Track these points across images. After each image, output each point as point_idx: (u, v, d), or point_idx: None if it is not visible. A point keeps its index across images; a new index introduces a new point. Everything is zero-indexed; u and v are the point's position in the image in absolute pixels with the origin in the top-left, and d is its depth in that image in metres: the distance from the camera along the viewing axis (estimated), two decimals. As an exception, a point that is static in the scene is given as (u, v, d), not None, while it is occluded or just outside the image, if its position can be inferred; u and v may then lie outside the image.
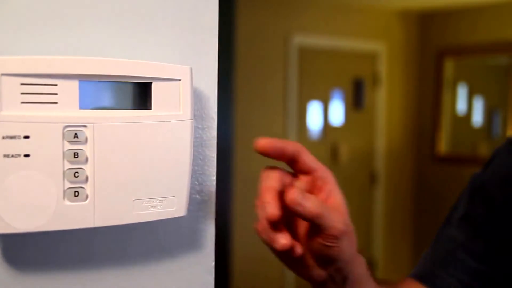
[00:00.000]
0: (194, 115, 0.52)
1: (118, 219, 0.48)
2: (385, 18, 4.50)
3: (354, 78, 4.38)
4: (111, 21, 0.49)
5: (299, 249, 0.53)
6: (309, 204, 0.51)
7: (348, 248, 0.54)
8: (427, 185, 4.64)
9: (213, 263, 0.56)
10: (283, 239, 0.52)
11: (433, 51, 4.55)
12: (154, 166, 0.49)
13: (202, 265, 0.55)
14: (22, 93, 0.44)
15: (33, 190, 0.44)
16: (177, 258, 0.54)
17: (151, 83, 0.49)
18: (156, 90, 0.49)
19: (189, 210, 0.51)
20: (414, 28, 4.66)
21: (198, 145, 0.54)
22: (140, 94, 0.49)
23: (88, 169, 0.46)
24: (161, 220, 0.51)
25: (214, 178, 0.55)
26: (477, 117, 4.43)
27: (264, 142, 0.53)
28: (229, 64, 3.41)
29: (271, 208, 0.51)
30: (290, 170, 0.56)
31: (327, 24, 4.19)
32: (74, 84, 0.46)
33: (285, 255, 0.54)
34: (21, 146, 0.43)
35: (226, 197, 3.53)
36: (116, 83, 0.48)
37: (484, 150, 4.28)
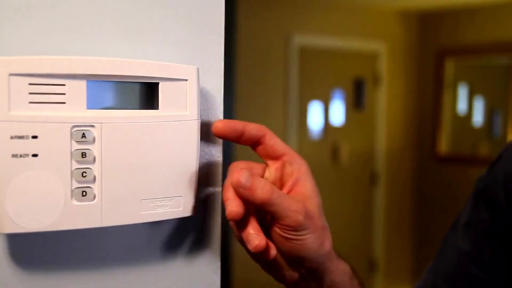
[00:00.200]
0: (201, 115, 0.52)
1: (125, 219, 0.48)
2: (386, 18, 4.51)
3: (355, 78, 4.38)
4: (118, 21, 0.50)
5: (273, 251, 0.50)
6: (258, 189, 0.47)
7: (314, 245, 0.50)
8: (427, 185, 4.64)
9: (219, 263, 0.56)
10: (256, 240, 0.48)
11: (434, 51, 4.55)
12: (161, 166, 0.49)
13: (208, 265, 0.56)
14: (30, 93, 0.44)
15: (41, 190, 0.44)
16: (183, 258, 0.54)
17: (158, 83, 0.49)
18: (163, 90, 0.49)
19: (195, 210, 0.51)
20: (414, 28, 4.66)
21: (204, 144, 0.54)
22: (147, 94, 0.49)
23: (95, 169, 0.46)
24: (167, 220, 0.51)
25: (220, 178, 0.55)
26: (478, 117, 4.43)
27: (221, 124, 0.50)
28: (229, 64, 3.41)
29: (231, 205, 0.48)
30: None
31: (327, 24, 4.19)
32: (82, 84, 0.46)
33: (257, 255, 0.51)
34: (29, 146, 0.43)
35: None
36: (123, 83, 0.48)
37: (485, 150, 4.28)
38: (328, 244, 0.52)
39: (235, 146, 3.52)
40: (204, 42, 0.53)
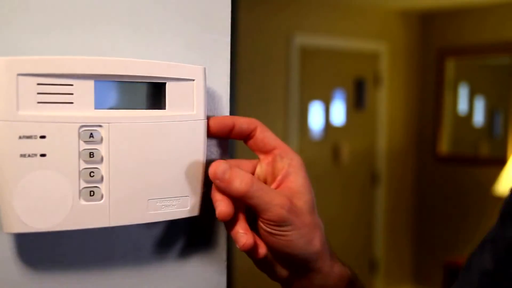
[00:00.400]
0: (207, 115, 0.52)
1: (132, 218, 0.48)
2: (387, 18, 4.51)
3: (356, 78, 4.38)
4: (126, 21, 0.50)
5: (262, 249, 0.49)
6: (235, 181, 0.47)
7: (300, 242, 0.49)
8: (428, 185, 4.64)
9: (226, 263, 0.56)
10: (243, 239, 0.48)
11: (435, 51, 4.55)
12: (168, 166, 0.49)
13: (214, 265, 0.56)
14: (38, 93, 0.44)
15: (49, 189, 0.44)
16: (189, 258, 0.54)
17: (165, 83, 0.49)
18: (170, 90, 0.49)
19: (201, 209, 0.51)
20: (415, 28, 4.66)
21: (211, 144, 0.54)
22: (154, 94, 0.49)
23: (103, 168, 0.46)
24: (174, 220, 0.51)
25: (227, 177, 0.55)
26: (478, 117, 4.43)
27: (212, 125, 0.50)
28: (230, 63, 3.40)
29: (220, 206, 0.48)
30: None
31: (328, 24, 4.19)
32: (90, 84, 0.46)
33: (249, 253, 0.50)
34: (38, 146, 0.44)
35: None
36: (130, 83, 0.48)
37: (485, 150, 4.28)
38: (317, 243, 0.50)
39: (236, 145, 3.53)
40: (210, 42, 0.54)
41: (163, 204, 0.49)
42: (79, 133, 0.45)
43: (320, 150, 4.18)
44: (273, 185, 0.51)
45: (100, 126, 0.46)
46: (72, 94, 0.45)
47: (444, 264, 3.79)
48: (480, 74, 4.48)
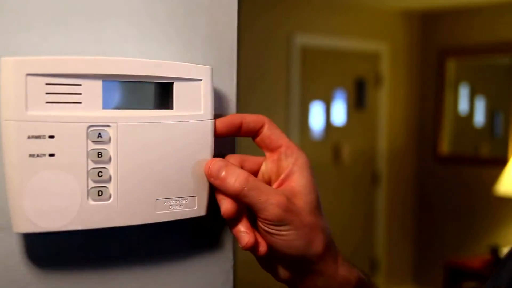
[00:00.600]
0: (214, 115, 0.52)
1: (141, 218, 0.48)
2: (388, 18, 4.51)
3: (356, 78, 4.38)
4: (133, 22, 0.50)
5: (263, 248, 0.49)
6: (229, 179, 0.47)
7: (298, 243, 0.48)
8: (428, 185, 4.64)
9: (232, 263, 0.56)
10: (246, 238, 0.48)
11: (435, 51, 4.55)
12: (175, 166, 0.49)
13: (221, 264, 0.56)
14: (47, 93, 0.44)
15: (58, 189, 0.44)
16: (196, 258, 0.54)
17: (172, 83, 0.49)
18: (178, 90, 0.49)
19: (208, 209, 0.51)
20: (416, 28, 4.66)
21: (218, 144, 0.54)
22: (162, 94, 0.49)
23: (111, 168, 0.46)
24: (181, 219, 0.51)
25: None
26: (479, 117, 4.43)
27: (219, 125, 0.50)
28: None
29: (224, 204, 0.48)
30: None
31: (329, 24, 4.19)
32: (98, 84, 0.46)
33: (251, 251, 0.50)
34: (46, 146, 0.44)
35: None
36: (138, 83, 0.48)
37: (486, 150, 4.29)
38: (319, 245, 0.49)
39: (235, 146, 3.53)
40: (217, 42, 0.54)
41: (171, 204, 0.49)
42: (87, 133, 0.45)
43: (320, 150, 4.18)
44: (276, 184, 0.51)
45: (108, 126, 0.46)
46: (80, 94, 0.45)
47: (445, 264, 3.79)
48: (480, 74, 4.48)
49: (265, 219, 0.47)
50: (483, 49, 4.26)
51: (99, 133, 0.46)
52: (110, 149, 0.46)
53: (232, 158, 0.51)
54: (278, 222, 0.47)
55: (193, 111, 0.50)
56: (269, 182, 0.52)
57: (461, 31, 4.39)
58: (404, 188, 4.71)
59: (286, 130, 3.97)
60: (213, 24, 0.53)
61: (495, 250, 3.55)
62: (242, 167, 0.50)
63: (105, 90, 0.46)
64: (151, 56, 0.50)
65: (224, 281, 0.56)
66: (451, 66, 4.48)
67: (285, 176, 0.50)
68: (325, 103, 4.24)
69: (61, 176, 0.44)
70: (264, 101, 3.84)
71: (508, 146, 4.08)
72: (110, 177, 0.46)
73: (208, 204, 0.51)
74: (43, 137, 0.44)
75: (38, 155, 0.43)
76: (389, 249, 4.63)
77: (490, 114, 4.37)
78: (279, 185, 0.51)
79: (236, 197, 0.47)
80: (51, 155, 0.44)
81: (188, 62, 0.51)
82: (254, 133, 0.52)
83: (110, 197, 0.46)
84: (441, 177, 4.54)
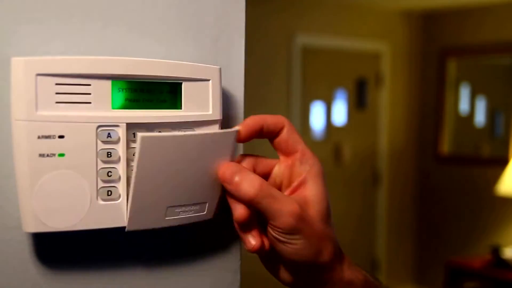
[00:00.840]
0: (222, 115, 0.52)
1: (150, 222, 0.48)
2: (388, 18, 4.51)
3: (357, 78, 4.38)
4: (141, 22, 0.50)
5: (265, 247, 0.48)
6: (243, 185, 0.46)
7: (308, 252, 0.47)
8: (429, 185, 4.64)
9: (239, 263, 0.56)
10: (253, 241, 0.48)
11: (436, 51, 4.55)
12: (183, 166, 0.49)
13: (228, 266, 0.56)
14: (56, 93, 0.44)
15: (67, 189, 0.44)
16: (204, 259, 0.55)
17: (181, 83, 0.49)
18: (186, 90, 0.49)
19: (217, 212, 0.51)
20: (417, 28, 4.66)
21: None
22: (171, 94, 0.49)
23: (120, 168, 0.46)
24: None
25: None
26: (480, 117, 4.43)
27: (244, 132, 0.48)
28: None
29: (236, 209, 0.47)
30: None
31: (330, 24, 4.19)
32: (107, 84, 0.46)
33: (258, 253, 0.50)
34: (56, 146, 0.44)
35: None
36: (147, 83, 0.48)
37: (487, 150, 4.29)
38: (327, 254, 0.49)
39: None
40: (225, 42, 0.54)
41: (181, 210, 0.49)
42: (96, 133, 0.45)
43: (321, 150, 4.18)
44: (288, 191, 0.50)
45: (117, 126, 0.46)
46: (89, 94, 0.45)
47: (446, 263, 3.79)
48: (481, 74, 4.48)
49: (277, 227, 0.47)
50: (484, 49, 4.26)
51: (109, 133, 0.46)
52: (119, 149, 0.46)
53: (245, 161, 0.50)
54: (290, 231, 0.46)
55: (202, 111, 0.50)
56: (280, 186, 0.51)
57: (462, 31, 4.39)
58: (405, 188, 4.71)
59: (287, 130, 3.96)
60: (221, 24, 0.53)
61: (495, 250, 3.55)
62: (254, 170, 0.50)
63: (114, 90, 0.46)
64: (160, 56, 0.51)
65: (232, 280, 0.56)
66: (452, 66, 4.48)
67: (298, 183, 0.49)
68: (326, 103, 4.24)
69: (71, 176, 0.44)
70: (265, 101, 3.84)
71: (508, 146, 4.08)
72: (120, 177, 0.46)
73: (217, 207, 0.51)
74: (53, 137, 0.44)
75: (48, 155, 0.44)
76: (390, 249, 4.63)
77: (491, 114, 4.37)
78: (292, 192, 0.50)
79: (249, 203, 0.46)
80: (61, 155, 0.44)
81: (196, 63, 0.51)
82: (273, 136, 0.50)
83: (119, 197, 0.46)
84: (441, 177, 4.54)
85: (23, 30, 0.45)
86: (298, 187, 0.49)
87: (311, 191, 0.49)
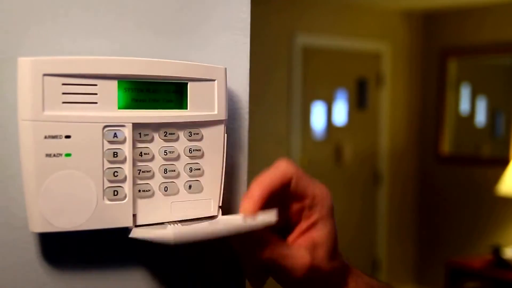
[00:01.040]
0: (228, 115, 0.52)
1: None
2: (389, 18, 4.51)
3: (358, 78, 4.38)
4: (147, 22, 0.50)
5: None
6: (255, 250, 0.46)
7: (313, 287, 0.49)
8: (430, 185, 4.65)
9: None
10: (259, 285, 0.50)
11: (437, 51, 4.55)
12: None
13: (233, 265, 0.56)
14: (63, 93, 0.44)
15: (74, 189, 0.44)
16: (208, 258, 0.55)
17: (187, 83, 0.49)
18: (192, 90, 0.49)
19: (220, 211, 0.52)
20: (418, 28, 4.67)
21: (230, 145, 0.54)
22: (176, 94, 0.49)
23: (126, 168, 0.46)
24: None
25: (246, 178, 0.55)
26: (480, 117, 4.44)
27: (252, 209, 0.46)
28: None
29: (253, 278, 0.49)
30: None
31: (330, 24, 4.19)
32: (113, 84, 0.46)
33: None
34: (63, 146, 0.44)
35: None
36: (153, 83, 0.48)
37: (487, 150, 4.29)
38: (332, 283, 0.50)
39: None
40: (230, 43, 0.54)
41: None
42: (103, 133, 0.45)
43: (322, 150, 4.18)
44: (297, 232, 0.50)
45: (123, 126, 0.46)
46: (96, 94, 0.45)
47: (446, 263, 3.79)
48: (482, 74, 4.49)
49: (289, 280, 0.48)
50: (484, 49, 4.26)
51: (115, 133, 0.46)
52: (126, 149, 0.46)
53: (260, 189, 0.48)
54: (301, 281, 0.48)
55: (207, 111, 0.50)
56: (289, 224, 0.51)
57: (463, 31, 4.39)
58: (405, 188, 4.71)
59: (287, 130, 3.97)
60: (227, 24, 0.53)
61: (496, 250, 3.55)
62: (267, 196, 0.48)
63: (120, 90, 0.46)
64: (165, 56, 0.51)
65: (237, 280, 0.56)
66: (453, 66, 4.48)
67: (307, 226, 0.49)
68: (327, 103, 4.24)
69: (77, 176, 0.44)
70: (266, 101, 3.84)
71: (509, 146, 4.08)
72: (126, 177, 0.46)
73: (220, 205, 0.51)
74: (60, 137, 0.44)
75: (54, 155, 0.44)
76: (391, 249, 4.63)
77: (491, 114, 4.37)
78: (300, 234, 0.50)
79: (260, 262, 0.47)
80: (68, 155, 0.44)
81: (202, 63, 0.51)
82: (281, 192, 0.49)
83: (125, 197, 0.46)
84: (442, 177, 4.54)
85: (30, 30, 0.45)
86: (307, 229, 0.49)
87: (320, 233, 0.49)
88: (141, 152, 0.47)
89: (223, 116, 0.51)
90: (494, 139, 4.33)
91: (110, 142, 0.46)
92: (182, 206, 0.49)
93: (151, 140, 0.48)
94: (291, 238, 0.50)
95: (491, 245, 3.81)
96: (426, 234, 4.68)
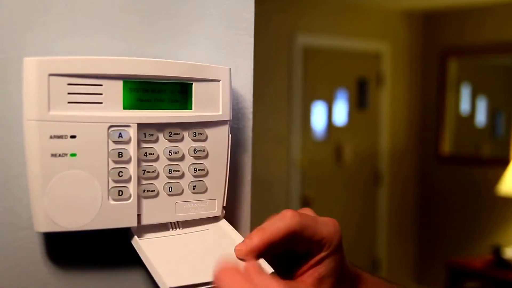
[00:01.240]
0: (232, 115, 0.52)
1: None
2: (389, 18, 4.51)
3: (358, 78, 4.38)
4: (152, 22, 0.50)
5: None
6: None
7: None
8: (430, 185, 4.65)
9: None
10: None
11: (437, 51, 4.55)
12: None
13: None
14: (69, 93, 0.44)
15: (79, 189, 0.44)
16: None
17: (191, 83, 0.49)
18: (197, 90, 0.49)
19: (224, 211, 0.52)
20: (418, 28, 4.67)
21: (234, 145, 0.54)
22: (181, 94, 0.49)
23: (131, 168, 0.46)
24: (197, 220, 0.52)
25: (250, 178, 0.56)
26: (481, 117, 4.44)
27: (243, 253, 0.46)
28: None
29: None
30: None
31: (331, 24, 4.19)
32: (118, 84, 0.46)
33: None
34: (68, 146, 0.44)
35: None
36: (158, 83, 0.48)
37: (487, 150, 4.29)
38: None
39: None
40: (235, 43, 0.54)
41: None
42: (108, 133, 0.45)
43: (322, 150, 4.18)
44: (303, 268, 0.50)
45: (128, 126, 0.46)
46: (101, 94, 0.45)
47: (446, 263, 3.80)
48: (482, 74, 4.49)
49: None
50: (484, 49, 4.26)
51: (120, 133, 0.46)
52: (130, 149, 0.46)
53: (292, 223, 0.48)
54: None
55: (212, 111, 0.50)
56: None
57: (463, 31, 4.39)
58: (406, 188, 4.71)
59: (288, 130, 3.97)
60: (231, 25, 0.53)
61: (497, 250, 3.55)
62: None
63: (125, 90, 0.46)
64: (170, 56, 0.51)
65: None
66: (453, 66, 4.48)
67: (314, 262, 0.49)
68: (327, 103, 4.24)
69: (82, 176, 0.45)
70: (266, 101, 3.84)
71: (509, 146, 4.08)
72: (130, 177, 0.46)
73: (224, 206, 0.51)
74: (65, 137, 0.44)
75: (60, 155, 0.44)
76: (391, 249, 4.63)
77: (492, 114, 4.37)
78: (308, 268, 0.50)
79: None
80: (73, 155, 0.44)
81: (206, 63, 0.51)
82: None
83: (130, 197, 0.46)
84: (442, 177, 4.54)
85: (36, 30, 0.45)
86: (314, 264, 0.49)
87: (328, 267, 0.49)
88: (146, 152, 0.47)
89: (227, 116, 0.51)
90: (494, 139, 4.33)
91: (115, 142, 0.46)
92: (187, 206, 0.49)
93: (156, 140, 0.48)
94: (298, 271, 0.50)
95: (491, 245, 3.81)
96: (426, 234, 4.67)
